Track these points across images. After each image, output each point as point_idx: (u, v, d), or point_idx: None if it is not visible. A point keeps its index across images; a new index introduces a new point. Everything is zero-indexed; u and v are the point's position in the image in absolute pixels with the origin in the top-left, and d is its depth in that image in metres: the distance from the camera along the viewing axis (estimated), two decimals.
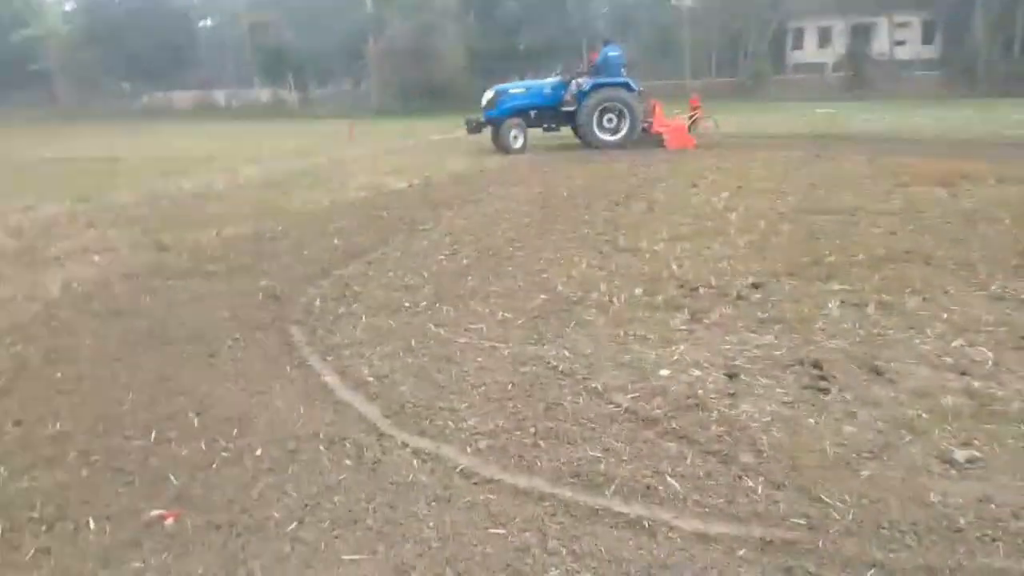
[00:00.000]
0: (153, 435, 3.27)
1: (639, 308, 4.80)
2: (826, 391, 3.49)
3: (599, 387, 3.62)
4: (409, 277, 5.84)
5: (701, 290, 5.11)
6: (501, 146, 15.51)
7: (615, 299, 4.99)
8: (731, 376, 3.70)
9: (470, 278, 5.73)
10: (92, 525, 2.60)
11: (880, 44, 44.90)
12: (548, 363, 3.96)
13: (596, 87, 15.10)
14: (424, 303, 5.14)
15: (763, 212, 7.57)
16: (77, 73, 50.79)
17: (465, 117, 17.20)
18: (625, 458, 2.94)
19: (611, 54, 15.70)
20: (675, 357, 3.97)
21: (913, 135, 16.14)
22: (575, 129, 15.99)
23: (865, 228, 6.73)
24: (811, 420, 3.22)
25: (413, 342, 4.37)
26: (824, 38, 47.00)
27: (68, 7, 56.27)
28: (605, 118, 15.29)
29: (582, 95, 15.26)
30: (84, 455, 3.11)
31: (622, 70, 15.73)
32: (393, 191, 10.65)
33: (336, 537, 2.50)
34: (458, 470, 2.90)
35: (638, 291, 5.15)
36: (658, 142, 15.45)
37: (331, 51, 50.36)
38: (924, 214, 7.20)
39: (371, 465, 2.97)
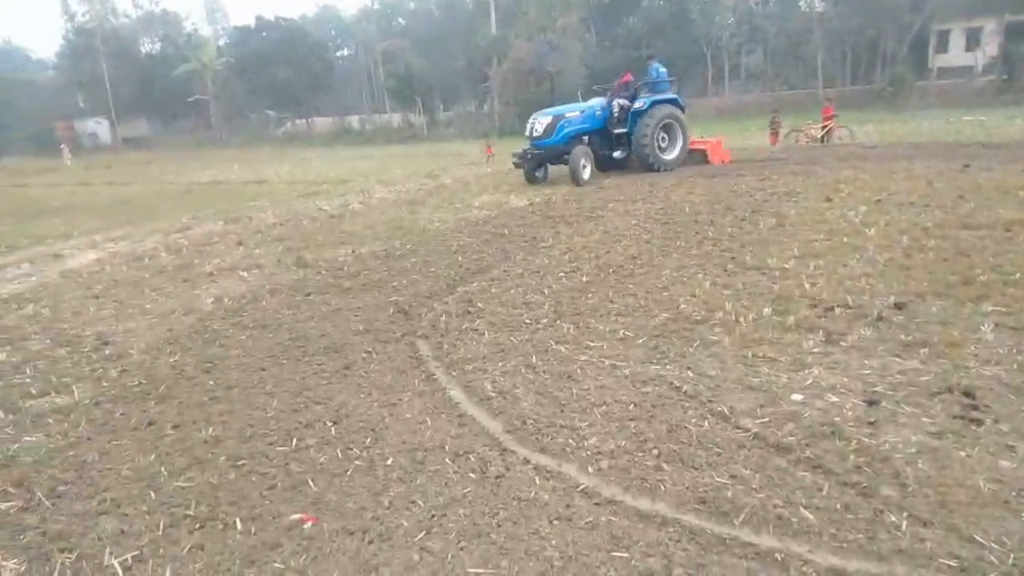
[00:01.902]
0: (294, 442, 3.51)
1: (768, 329, 4.62)
2: (979, 422, 3.22)
3: (725, 410, 3.51)
4: (530, 294, 5.92)
5: (837, 310, 4.85)
6: (572, 176, 13.41)
7: (742, 319, 4.82)
8: (871, 403, 3.49)
9: (590, 295, 5.73)
10: (239, 525, 2.82)
11: None
12: (671, 383, 3.89)
13: (655, 104, 14.32)
14: (544, 320, 5.20)
15: (906, 227, 7.06)
16: (228, 102, 55.66)
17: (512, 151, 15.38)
18: (755, 486, 2.84)
19: (661, 70, 15.14)
20: (809, 381, 3.79)
21: None
22: (611, 151, 14.72)
23: (1022, 244, 6.13)
24: (961, 453, 2.98)
25: (534, 358, 4.42)
26: (972, 39, 43.24)
27: (222, 42, 61.79)
28: (659, 136, 14.46)
29: (636, 114, 14.37)
30: (233, 458, 3.38)
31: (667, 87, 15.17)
32: (514, 209, 10.84)
33: (462, 549, 2.57)
34: (579, 489, 2.91)
35: (767, 311, 4.95)
36: (701, 159, 15.09)
37: (456, 75, 52.18)
38: None
39: (494, 479, 3.03)
